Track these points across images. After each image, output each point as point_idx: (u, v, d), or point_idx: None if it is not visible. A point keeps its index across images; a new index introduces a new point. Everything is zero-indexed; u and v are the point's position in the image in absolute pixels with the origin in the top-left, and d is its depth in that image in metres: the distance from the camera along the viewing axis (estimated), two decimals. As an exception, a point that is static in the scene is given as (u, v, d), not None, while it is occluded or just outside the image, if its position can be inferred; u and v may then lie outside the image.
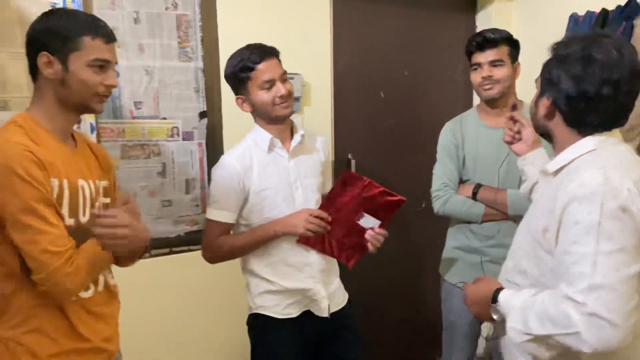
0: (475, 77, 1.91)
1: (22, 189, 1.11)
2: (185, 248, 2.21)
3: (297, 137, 1.73)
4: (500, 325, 1.22)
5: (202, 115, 2.20)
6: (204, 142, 2.22)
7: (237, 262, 2.34)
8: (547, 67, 1.20)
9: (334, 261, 1.81)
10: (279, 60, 1.69)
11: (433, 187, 2.01)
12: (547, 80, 1.18)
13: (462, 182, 1.99)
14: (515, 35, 1.96)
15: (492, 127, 1.93)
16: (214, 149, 2.22)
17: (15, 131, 1.18)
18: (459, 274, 2.01)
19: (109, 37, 1.26)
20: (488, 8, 2.82)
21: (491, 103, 1.93)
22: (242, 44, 2.21)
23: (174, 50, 2.12)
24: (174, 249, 2.18)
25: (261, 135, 1.70)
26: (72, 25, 1.22)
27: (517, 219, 1.85)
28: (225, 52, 2.16)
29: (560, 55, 1.17)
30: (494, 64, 1.86)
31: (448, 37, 2.84)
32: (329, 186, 1.90)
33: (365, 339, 1.89)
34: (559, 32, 2.42)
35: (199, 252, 2.22)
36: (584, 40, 1.14)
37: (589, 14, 2.30)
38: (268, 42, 2.25)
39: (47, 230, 1.13)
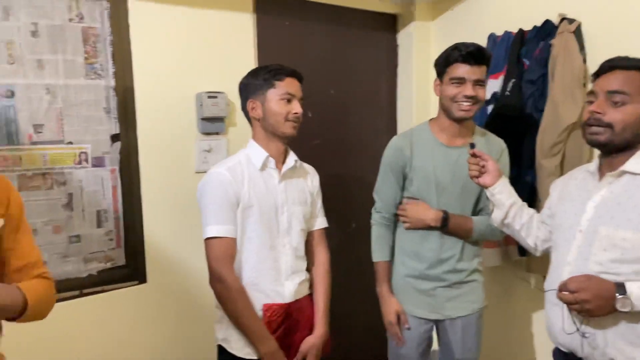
0: (455, 91, 1.73)
1: None
2: (99, 289, 1.95)
3: (290, 161, 1.72)
4: (600, 320, 1.35)
5: (115, 138, 1.98)
6: (117, 168, 1.99)
7: (163, 303, 2.13)
8: None
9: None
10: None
11: (374, 207, 2.01)
12: None
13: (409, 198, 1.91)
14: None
15: (449, 146, 1.84)
16: (129, 176, 2.01)
17: None
18: (411, 302, 1.92)
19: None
20: (408, 27, 2.85)
21: (459, 122, 1.80)
22: (159, 60, 2.05)
23: (79, 66, 1.88)
24: (85, 291, 1.92)
25: (257, 152, 1.67)
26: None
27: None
28: (140, 69, 1.99)
29: None
30: (478, 83, 1.72)
31: (371, 56, 2.83)
32: (320, 221, 1.89)
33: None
34: (478, 52, 2.48)
35: (116, 293, 2.00)
36: None
37: (507, 34, 2.36)
38: (188, 58, 2.12)
39: None
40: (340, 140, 2.73)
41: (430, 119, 1.93)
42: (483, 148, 1.85)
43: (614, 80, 1.37)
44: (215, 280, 1.59)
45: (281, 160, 1.71)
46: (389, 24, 2.89)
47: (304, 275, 1.77)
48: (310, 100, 2.60)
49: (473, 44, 1.73)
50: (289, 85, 1.66)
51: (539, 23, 2.22)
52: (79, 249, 1.93)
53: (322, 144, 2.65)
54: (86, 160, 1.92)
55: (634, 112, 1.35)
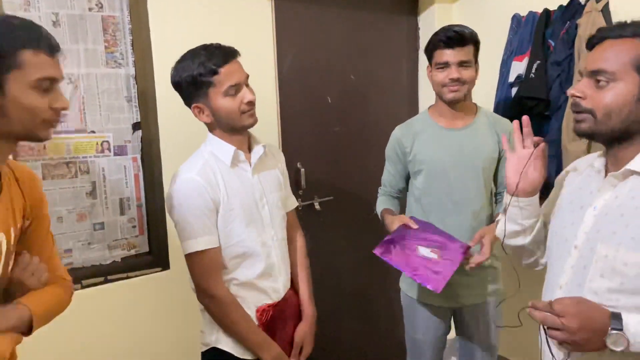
0: (441, 77, 1.77)
1: None
2: (123, 275, 1.98)
3: (259, 149, 1.54)
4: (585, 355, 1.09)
5: (136, 126, 1.99)
6: (139, 156, 2.01)
7: (186, 290, 2.16)
8: None
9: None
10: (240, 63, 1.48)
11: (379, 189, 2.05)
12: None
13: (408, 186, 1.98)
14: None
15: (450, 128, 1.85)
16: (150, 164, 2.02)
17: None
18: (423, 289, 1.90)
19: (53, 47, 1.01)
20: (430, 9, 2.79)
21: (453, 105, 1.83)
22: (178, 48, 2.02)
23: (100, 55, 1.90)
24: (110, 277, 1.95)
25: (222, 148, 1.48)
26: (6, 36, 0.96)
27: None
28: (159, 57, 1.99)
29: None
30: (462, 64, 1.75)
31: (392, 40, 2.79)
32: (292, 201, 1.76)
33: (319, 356, 1.78)
34: (501, 33, 2.43)
35: (140, 279, 2.03)
36: None
37: (532, 14, 2.30)
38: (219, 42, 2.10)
39: None
40: (360, 127, 2.71)
41: (430, 106, 1.95)
42: (487, 129, 1.86)
43: (599, 56, 1.10)
44: (204, 296, 1.49)
45: (247, 149, 1.55)
46: (410, 6, 2.83)
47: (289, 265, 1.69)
48: (330, 86, 2.59)
49: (454, 27, 1.76)
50: (228, 75, 1.42)
51: (564, 2, 2.16)
52: (103, 236, 1.96)
53: (341, 130, 2.63)
54: (108, 149, 1.94)
55: (621, 93, 1.06)
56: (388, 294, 2.68)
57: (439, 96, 1.84)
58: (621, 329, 1.00)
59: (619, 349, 1.00)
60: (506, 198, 1.30)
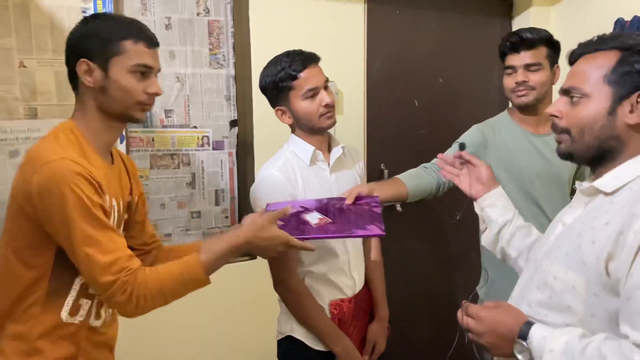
0: (509, 81, 1.74)
1: (83, 213, 1.05)
2: (215, 261, 2.14)
3: (337, 150, 1.60)
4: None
5: (233, 124, 2.13)
6: (234, 151, 2.15)
7: (269, 279, 2.28)
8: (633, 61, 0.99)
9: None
10: (320, 67, 1.55)
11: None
12: None
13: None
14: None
15: (538, 134, 1.78)
16: (244, 159, 2.16)
17: (67, 145, 1.11)
18: (500, 296, 1.88)
19: (151, 41, 1.18)
20: (525, 13, 2.72)
21: (525, 110, 1.77)
22: (274, 50, 2.14)
23: (205, 57, 2.05)
24: (203, 262, 2.11)
25: (302, 147, 1.56)
26: (113, 29, 1.14)
27: None
28: (257, 59, 2.12)
29: None
30: (529, 67, 1.69)
31: (483, 43, 2.74)
32: None
33: (391, 358, 1.80)
34: (603, 38, 2.32)
35: (227, 266, 2.14)
36: None
37: (637, 19, 2.19)
38: (301, 47, 2.20)
39: (101, 260, 1.07)
40: (446, 131, 2.67)
41: (508, 109, 1.88)
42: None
43: (573, 73, 1.08)
44: (279, 285, 1.56)
45: (326, 150, 1.61)
46: (504, 9, 2.78)
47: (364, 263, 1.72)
48: (417, 89, 2.61)
49: (520, 30, 1.71)
50: (306, 80, 1.49)
51: (676, 7, 2.03)
52: (199, 224, 2.11)
53: (427, 133, 2.63)
54: (208, 144, 2.09)
55: (593, 107, 1.02)
56: (467, 298, 2.65)
57: (511, 102, 1.80)
58: (525, 339, 0.99)
59: (522, 358, 0.99)
60: (476, 208, 1.38)
